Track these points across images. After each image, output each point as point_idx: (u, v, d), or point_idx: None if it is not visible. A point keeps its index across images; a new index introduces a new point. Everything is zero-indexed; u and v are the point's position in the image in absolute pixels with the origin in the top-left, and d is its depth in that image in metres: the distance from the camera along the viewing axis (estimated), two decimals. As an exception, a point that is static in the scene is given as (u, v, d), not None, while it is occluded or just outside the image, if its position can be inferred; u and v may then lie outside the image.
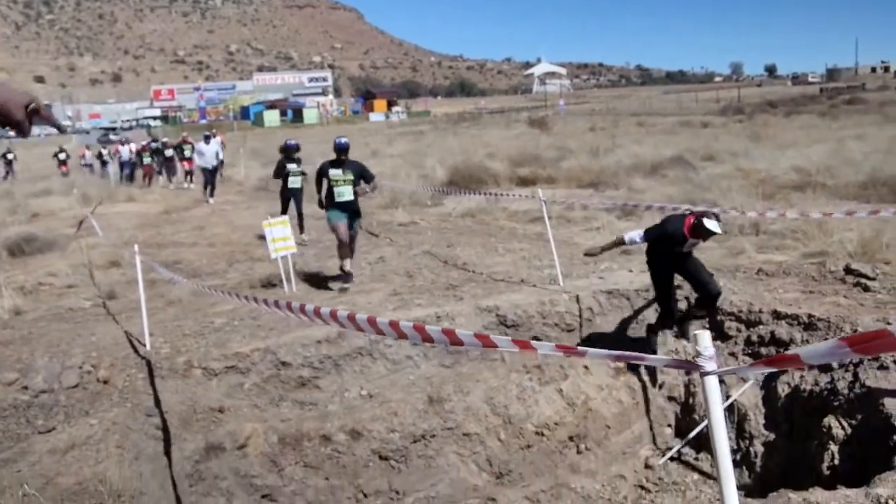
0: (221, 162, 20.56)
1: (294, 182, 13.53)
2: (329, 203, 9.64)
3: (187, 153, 24.73)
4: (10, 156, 33.17)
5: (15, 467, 5.05)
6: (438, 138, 36.10)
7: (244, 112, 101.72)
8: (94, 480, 4.61)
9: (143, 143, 28.66)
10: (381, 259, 11.15)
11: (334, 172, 9.53)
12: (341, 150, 9.59)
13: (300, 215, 13.61)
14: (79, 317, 8.60)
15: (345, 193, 9.45)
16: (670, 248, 7.06)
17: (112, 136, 76.01)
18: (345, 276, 9.54)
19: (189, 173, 25.03)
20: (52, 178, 27.56)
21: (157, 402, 6.32)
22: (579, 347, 2.15)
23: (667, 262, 7.30)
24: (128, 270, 10.35)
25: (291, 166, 13.55)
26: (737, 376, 7.27)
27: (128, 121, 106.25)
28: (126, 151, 28.66)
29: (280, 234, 9.56)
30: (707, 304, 7.41)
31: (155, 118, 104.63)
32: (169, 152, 26.15)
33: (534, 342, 2.19)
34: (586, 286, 8.51)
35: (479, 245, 11.71)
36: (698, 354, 1.75)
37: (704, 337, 1.76)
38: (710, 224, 6.56)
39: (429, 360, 7.46)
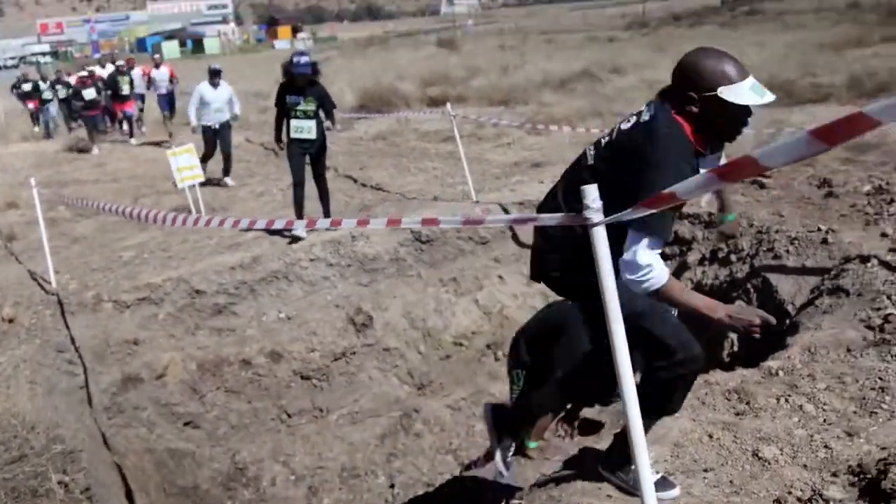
0: (235, 117, 11.92)
1: (301, 129, 7.81)
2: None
3: (125, 89, 17.29)
4: None
5: (-80, 411, 4.90)
6: (347, 63, 35.32)
7: (140, 44, 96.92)
8: (7, 415, 4.52)
9: (82, 73, 19.46)
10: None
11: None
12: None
13: (320, 189, 8.30)
14: (-23, 260, 8.26)
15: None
16: None
17: None
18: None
19: (127, 120, 17.82)
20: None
21: (69, 338, 6.19)
22: (480, 215, 2.22)
23: None
24: (27, 211, 9.94)
25: (294, 99, 7.78)
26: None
27: (13, 58, 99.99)
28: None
29: (186, 163, 9.31)
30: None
31: (44, 54, 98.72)
32: (89, 93, 16.73)
33: (440, 218, 2.26)
34: (498, 199, 8.62)
35: (391, 166, 11.67)
36: (586, 207, 1.82)
37: (591, 190, 1.84)
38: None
39: (346, 280, 7.49)
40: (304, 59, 7.74)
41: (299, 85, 7.80)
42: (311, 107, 7.80)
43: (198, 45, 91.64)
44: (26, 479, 3.83)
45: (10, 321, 6.19)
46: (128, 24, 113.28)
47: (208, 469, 6.09)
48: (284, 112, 7.90)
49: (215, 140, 11.63)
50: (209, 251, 7.64)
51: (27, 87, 22.75)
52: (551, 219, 2.22)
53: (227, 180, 11.75)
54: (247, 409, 6.54)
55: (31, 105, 22.26)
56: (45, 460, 4.02)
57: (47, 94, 21.42)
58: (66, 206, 9.89)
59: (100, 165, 14.50)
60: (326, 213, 8.18)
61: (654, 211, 1.98)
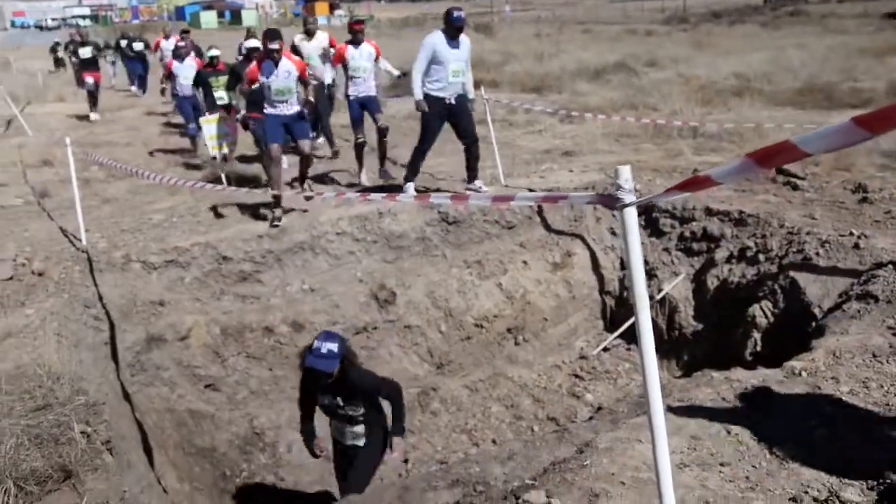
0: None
1: (346, 434, 4.66)
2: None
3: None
4: None
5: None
6: (382, 42, 35.26)
7: (179, 12, 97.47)
8: (33, 365, 4.60)
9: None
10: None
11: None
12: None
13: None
14: (11, 214, 8.39)
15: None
16: None
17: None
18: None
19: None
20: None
21: (97, 295, 6.28)
22: (507, 195, 2.22)
23: None
24: (60, 169, 10.06)
25: (329, 399, 4.53)
26: (669, 270, 7.53)
27: (55, 19, 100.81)
28: (187, 68, 11.65)
29: (219, 132, 9.38)
30: None
31: (84, 17, 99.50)
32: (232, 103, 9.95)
33: (470, 196, 2.28)
34: (527, 185, 8.60)
35: (422, 146, 11.65)
36: (619, 188, 1.83)
37: (625, 171, 1.84)
38: None
39: (371, 256, 7.52)
40: (325, 348, 4.20)
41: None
42: (358, 411, 4.56)
43: (235, 16, 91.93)
44: (49, 428, 3.90)
45: (40, 275, 6.27)
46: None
47: (226, 432, 6.17)
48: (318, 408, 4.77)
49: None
50: (237, 218, 7.70)
51: (85, 52, 16.31)
52: (581, 198, 2.23)
53: (478, 183, 8.22)
54: (267, 375, 6.60)
55: (89, 79, 15.85)
56: (68, 410, 4.09)
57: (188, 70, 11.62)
58: (100, 167, 10.00)
59: (133, 129, 14.62)
60: None
61: (684, 193, 1.98)
